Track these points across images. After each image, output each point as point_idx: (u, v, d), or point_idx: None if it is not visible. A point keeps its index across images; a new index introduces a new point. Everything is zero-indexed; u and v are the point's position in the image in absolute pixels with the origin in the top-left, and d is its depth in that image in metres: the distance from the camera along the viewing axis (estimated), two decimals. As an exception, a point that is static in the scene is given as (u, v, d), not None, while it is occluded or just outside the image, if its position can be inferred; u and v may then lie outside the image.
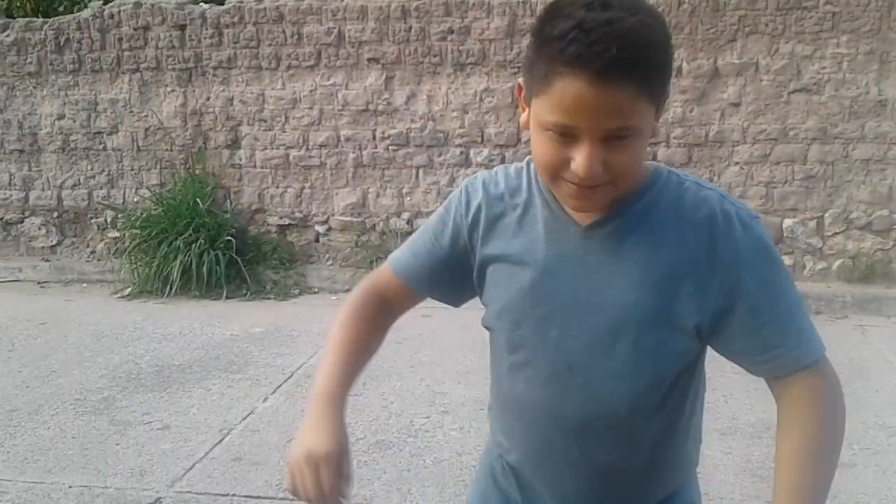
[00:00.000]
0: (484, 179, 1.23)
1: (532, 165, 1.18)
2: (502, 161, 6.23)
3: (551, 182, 1.10)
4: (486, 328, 1.27)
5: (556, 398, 1.18)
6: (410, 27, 6.22)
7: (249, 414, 3.89)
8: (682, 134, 6.03)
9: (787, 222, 6.01)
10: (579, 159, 1.02)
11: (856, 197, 5.91)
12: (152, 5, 6.57)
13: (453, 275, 1.27)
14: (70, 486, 3.17)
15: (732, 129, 5.98)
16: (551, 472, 1.24)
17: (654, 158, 6.06)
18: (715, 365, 4.17)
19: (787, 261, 6.00)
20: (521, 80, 1.11)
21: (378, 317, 1.35)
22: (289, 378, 4.37)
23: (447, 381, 4.27)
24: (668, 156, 6.04)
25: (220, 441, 3.58)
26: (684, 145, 6.05)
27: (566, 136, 1.02)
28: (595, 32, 0.95)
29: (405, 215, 6.51)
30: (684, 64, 5.94)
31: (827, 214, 5.96)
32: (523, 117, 1.12)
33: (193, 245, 6.18)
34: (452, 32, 6.18)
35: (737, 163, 6.02)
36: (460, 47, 6.20)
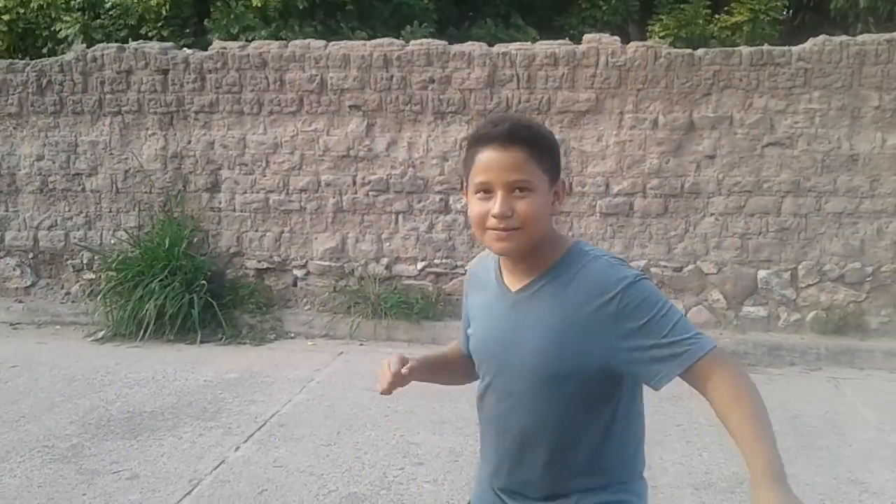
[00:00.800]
0: (471, 265, 1.80)
1: (487, 254, 1.69)
2: (481, 209, 6.26)
3: (481, 235, 1.55)
4: None
5: (502, 414, 1.65)
6: (392, 76, 6.30)
7: (220, 463, 3.83)
8: (659, 185, 6.11)
9: (762, 273, 6.08)
10: (496, 204, 1.50)
11: (829, 249, 6.00)
12: (136, 49, 6.62)
13: None
14: (33, 539, 3.09)
15: (708, 180, 6.07)
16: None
17: (632, 209, 6.14)
18: (689, 417, 4.22)
19: (762, 311, 6.07)
20: (462, 182, 1.61)
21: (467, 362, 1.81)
22: (262, 426, 4.32)
23: (422, 430, 4.24)
24: (645, 206, 6.12)
25: (190, 492, 3.52)
26: (660, 196, 6.13)
27: (487, 192, 1.51)
28: (497, 122, 1.54)
29: (384, 261, 6.52)
30: (660, 116, 6.04)
31: (801, 266, 6.04)
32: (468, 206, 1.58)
33: (169, 288, 6.14)
34: (433, 82, 6.27)
35: (712, 214, 6.10)
36: (441, 96, 6.27)
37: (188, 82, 6.56)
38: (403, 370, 1.66)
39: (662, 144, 6.07)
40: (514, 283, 1.61)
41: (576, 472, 1.60)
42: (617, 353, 1.50)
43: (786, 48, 5.96)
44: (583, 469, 1.60)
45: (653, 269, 6.17)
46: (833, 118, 5.88)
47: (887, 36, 5.85)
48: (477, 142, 1.54)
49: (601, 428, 1.59)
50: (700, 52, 6.04)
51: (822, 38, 5.91)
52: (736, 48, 6.12)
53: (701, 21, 8.00)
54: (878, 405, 4.74)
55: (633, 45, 6.12)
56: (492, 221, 1.50)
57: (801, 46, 5.93)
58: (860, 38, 5.93)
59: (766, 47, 6.06)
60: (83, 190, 6.87)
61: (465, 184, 1.60)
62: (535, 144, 1.51)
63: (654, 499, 3.48)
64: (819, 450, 4.05)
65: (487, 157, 1.51)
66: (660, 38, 7.61)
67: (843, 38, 5.95)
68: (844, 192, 5.93)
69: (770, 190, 6.01)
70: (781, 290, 6.06)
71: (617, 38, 6.19)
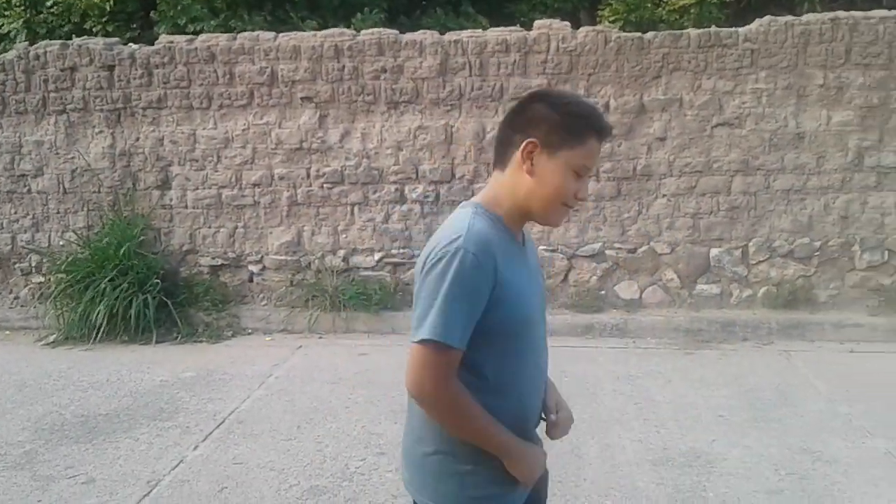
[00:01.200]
0: (482, 244, 1.62)
1: (483, 211, 1.70)
2: (437, 197, 6.27)
3: (557, 206, 1.70)
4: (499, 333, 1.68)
5: (541, 357, 1.82)
6: (344, 66, 6.24)
7: (179, 463, 3.78)
8: (611, 168, 6.16)
9: (714, 252, 6.17)
10: (585, 187, 1.71)
11: (778, 226, 6.11)
12: (80, 46, 6.46)
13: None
14: (-14, 548, 3.03)
15: (659, 162, 6.14)
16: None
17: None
18: (646, 396, 4.26)
19: (715, 289, 6.17)
20: (532, 140, 1.66)
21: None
22: (220, 424, 4.28)
23: (383, 420, 4.23)
24: (599, 189, 6.17)
25: (148, 493, 3.48)
26: (613, 179, 6.18)
27: (579, 174, 1.68)
28: (602, 115, 1.74)
29: (341, 253, 6.49)
30: (612, 100, 6.09)
31: (751, 243, 6.14)
32: (527, 166, 1.67)
33: (120, 288, 6.03)
34: (385, 71, 6.23)
35: (664, 195, 6.17)
36: (394, 86, 6.24)
37: (135, 78, 6.43)
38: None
39: (614, 128, 6.08)
40: (518, 239, 1.79)
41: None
42: None
43: (732, 29, 6.03)
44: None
45: (608, 252, 6.23)
46: (779, 97, 5.98)
47: (831, 15, 5.96)
48: (596, 127, 1.68)
49: None
50: (649, 35, 6.09)
51: (767, 18, 6.00)
52: (684, 31, 6.17)
53: (649, 5, 8.07)
54: (828, 376, 4.85)
55: (583, 30, 6.15)
56: (572, 202, 1.70)
57: (747, 27, 6.01)
58: (804, 17, 6.03)
59: (713, 29, 6.13)
60: (29, 191, 6.71)
61: (535, 141, 1.66)
62: None
63: (613, 475, 3.54)
64: (772, 421, 4.13)
65: (596, 148, 1.69)
66: (609, 22, 7.66)
67: (789, 18, 6.05)
68: (792, 169, 6.04)
69: (720, 170, 6.10)
70: (733, 267, 6.16)
71: (567, 23, 6.21)
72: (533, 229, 5.01)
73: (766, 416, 4.21)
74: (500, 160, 1.73)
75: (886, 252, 6.01)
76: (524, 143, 1.66)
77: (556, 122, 1.65)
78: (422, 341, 1.58)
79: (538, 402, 1.81)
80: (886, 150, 5.95)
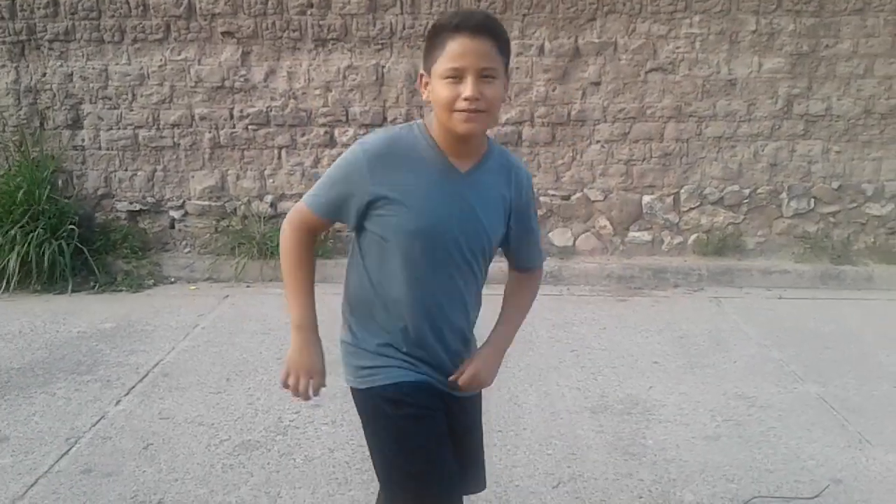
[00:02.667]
0: (378, 147, 1.76)
1: (419, 129, 1.79)
2: (367, 141, 6.05)
3: (448, 115, 1.68)
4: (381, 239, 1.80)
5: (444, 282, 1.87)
6: (267, 0, 5.92)
7: (100, 419, 3.58)
8: (546, 113, 6.06)
9: (646, 199, 6.19)
10: (467, 87, 1.65)
11: (709, 173, 6.15)
12: (-25, -30, 5.93)
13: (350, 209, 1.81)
14: None
15: (593, 108, 6.07)
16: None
17: (521, 138, 6.09)
18: (582, 343, 4.24)
19: (647, 236, 6.20)
20: (420, 72, 1.77)
21: (313, 248, 1.93)
22: (144, 377, 4.07)
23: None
24: (533, 135, 6.07)
25: (67, 451, 3.27)
26: (547, 124, 6.09)
27: (456, 78, 1.65)
28: (465, 15, 1.70)
29: (268, 198, 6.24)
30: (546, 43, 5.96)
31: (682, 190, 6.18)
32: (425, 95, 1.74)
33: (32, 235, 5.66)
34: (312, 6, 5.93)
35: (598, 141, 6.12)
36: (321, 22, 5.95)
37: (39, 7, 5.95)
38: (317, 391, 1.91)
39: (549, 72, 6.00)
40: (461, 165, 1.79)
41: (463, 330, 1.93)
42: (509, 230, 1.91)
43: (667, -28, 5.96)
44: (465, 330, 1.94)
45: (542, 199, 6.16)
46: (712, 43, 5.96)
47: (764, -41, 5.94)
48: (448, 29, 1.66)
49: (476, 292, 1.93)
50: (584, -25, 5.96)
51: (702, -39, 5.94)
52: (619, -28, 6.06)
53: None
54: (758, 322, 4.94)
55: (518, -32, 5.97)
56: (462, 104, 1.65)
57: (682, -30, 5.94)
58: (738, -39, 5.99)
59: (648, -29, 6.04)
60: (-76, 130, 6.20)
61: (423, 72, 1.75)
62: (499, 36, 1.69)
63: (553, 423, 3.51)
64: (706, 367, 4.18)
65: (461, 44, 1.64)
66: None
67: (722, -39, 5.99)
68: (723, 116, 6.06)
69: (653, 116, 6.07)
70: (665, 214, 6.19)
71: (501, -40, 6.02)
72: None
73: (700, 362, 4.26)
74: None
75: (813, 200, 6.13)
76: (418, 78, 1.80)
77: (426, 46, 1.74)
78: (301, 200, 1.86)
79: (427, 332, 1.84)
80: (814, 97, 6.02)
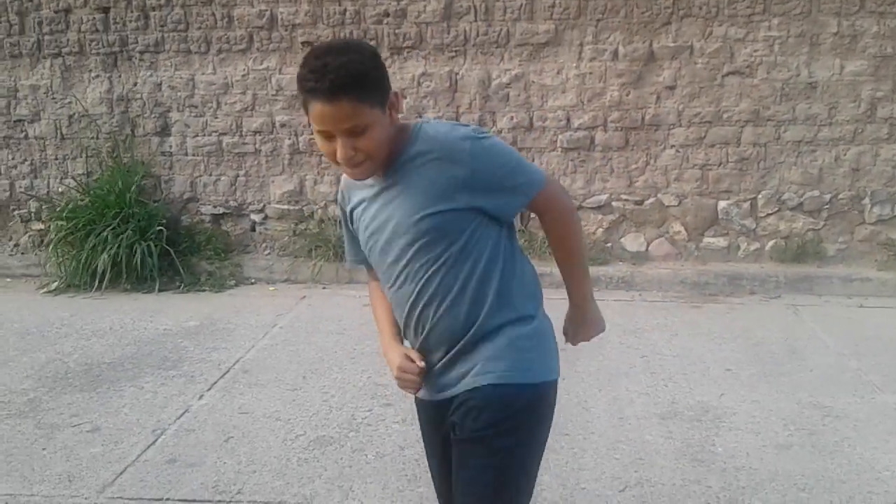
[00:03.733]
0: (344, 178, 1.89)
1: None
2: (441, 146, 6.15)
3: (336, 166, 1.66)
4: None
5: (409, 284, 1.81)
6: (345, 10, 6.08)
7: (184, 412, 3.76)
8: (619, 118, 6.04)
9: (722, 204, 6.10)
10: (339, 149, 1.60)
11: (787, 178, 6.02)
12: (73, -14, 6.29)
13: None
14: (-7, 497, 3.02)
15: (668, 112, 6.02)
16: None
17: (593, 142, 6.09)
18: (653, 349, 4.23)
19: (722, 242, 6.11)
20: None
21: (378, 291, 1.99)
22: (225, 373, 4.25)
23: (389, 371, 4.18)
24: (606, 140, 6.06)
25: (154, 442, 3.46)
26: (621, 129, 6.07)
27: (328, 136, 1.60)
28: (318, 73, 1.54)
29: (343, 202, 6.40)
30: (620, 47, 5.95)
31: (760, 196, 6.06)
32: None
33: (123, 236, 5.96)
34: (388, 15, 6.07)
35: (672, 146, 6.07)
36: (396, 30, 6.09)
37: (131, 21, 6.27)
38: (420, 364, 1.79)
39: (623, 76, 5.99)
40: (379, 180, 1.75)
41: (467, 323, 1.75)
42: (479, 200, 1.68)
43: (745, -26, 5.87)
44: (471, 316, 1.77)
45: (614, 203, 6.15)
46: (792, 45, 5.84)
47: (846, -40, 5.79)
48: (304, 91, 1.58)
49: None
50: (659, -21, 5.93)
51: (781, -37, 5.83)
52: (695, -25, 6.01)
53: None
54: (836, 331, 4.82)
55: (591, -27, 5.98)
56: (340, 161, 1.62)
57: (760, -28, 5.84)
58: (819, -38, 5.86)
59: (725, -26, 5.96)
60: (26, 137, 6.60)
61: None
62: (359, 88, 1.56)
63: (622, 428, 3.52)
64: (781, 376, 4.11)
65: (319, 110, 1.56)
66: (618, -33, 7.45)
67: (803, -37, 5.88)
68: (803, 120, 5.93)
69: (730, 120, 5.98)
70: (741, 220, 6.09)
71: (575, -34, 6.04)
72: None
73: (774, 370, 4.19)
74: None
75: (897, 205, 5.94)
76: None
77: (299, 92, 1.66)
78: None
79: (405, 321, 1.83)
80: (900, 101, 5.83)
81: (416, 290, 1.74)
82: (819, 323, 5.00)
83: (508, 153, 1.71)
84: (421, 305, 1.76)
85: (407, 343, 1.87)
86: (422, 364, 1.78)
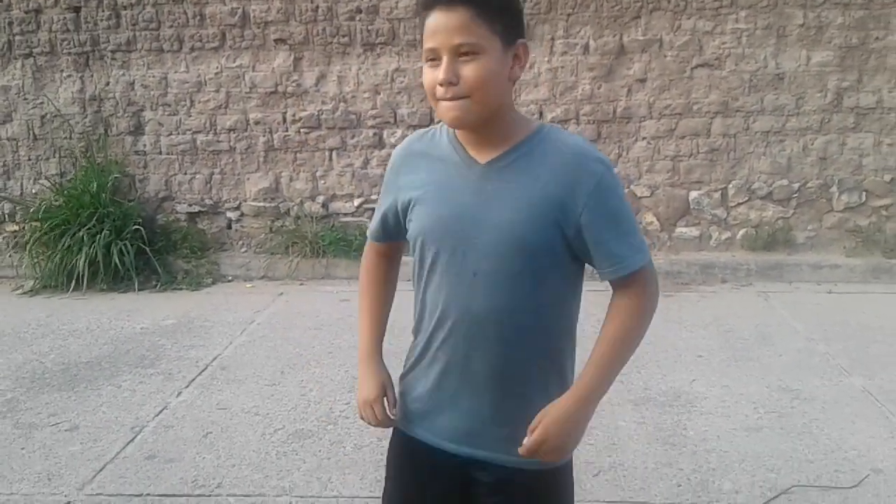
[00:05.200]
0: (406, 146, 1.62)
1: (441, 126, 1.54)
2: (415, 141, 6.18)
3: (435, 106, 1.43)
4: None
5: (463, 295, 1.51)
6: (317, 6, 6.10)
7: (163, 409, 3.78)
8: (591, 111, 6.11)
9: (693, 194, 6.19)
10: (443, 71, 1.36)
11: (757, 168, 6.13)
12: (43, -14, 6.25)
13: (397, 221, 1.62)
14: (-28, 496, 3.03)
15: (639, 104, 6.10)
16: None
17: (565, 135, 6.13)
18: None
19: (694, 231, 6.20)
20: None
21: (386, 272, 1.76)
22: (203, 370, 4.27)
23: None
24: (579, 133, 6.12)
25: (133, 439, 3.47)
26: (593, 122, 6.14)
27: (434, 60, 1.38)
28: None
29: (320, 199, 6.43)
30: (591, 41, 6.02)
31: (730, 185, 6.17)
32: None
33: (98, 236, 5.95)
34: (361, 12, 6.10)
35: (644, 138, 6.15)
36: (369, 27, 6.12)
37: (102, 20, 6.24)
38: (392, 413, 1.65)
39: (594, 70, 6.06)
40: (482, 156, 1.47)
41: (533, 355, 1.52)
42: (581, 231, 1.44)
43: (712, -32, 5.96)
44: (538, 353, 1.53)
45: (588, 195, 6.21)
46: (759, 37, 5.94)
47: (811, -48, 5.90)
48: (424, 5, 1.40)
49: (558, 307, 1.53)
50: (628, -27, 6.00)
51: (747, -44, 5.93)
52: (664, -31, 6.09)
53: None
54: (805, 316, 4.92)
55: (561, -32, 6.04)
56: (439, 91, 1.39)
57: (727, -34, 5.93)
58: (784, -45, 5.96)
59: (693, -33, 6.05)
60: (-2, 138, 6.56)
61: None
62: (482, 2, 1.36)
63: (596, 415, 3.54)
64: (751, 361, 4.20)
65: (434, 20, 1.37)
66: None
67: (768, -44, 5.97)
68: (771, 110, 6.03)
69: (700, 111, 6.08)
70: (712, 209, 6.19)
71: (545, -39, 6.09)
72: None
73: (744, 356, 4.28)
74: None
75: (864, 193, 6.06)
76: None
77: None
78: None
79: (449, 330, 1.56)
80: (865, 90, 5.95)
81: (493, 304, 1.47)
82: (789, 309, 5.10)
83: (628, 206, 1.49)
84: (491, 327, 1.48)
85: (419, 342, 1.60)
86: (393, 418, 1.63)
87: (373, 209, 6.33)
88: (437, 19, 1.36)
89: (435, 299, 1.52)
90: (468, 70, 1.36)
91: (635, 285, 1.49)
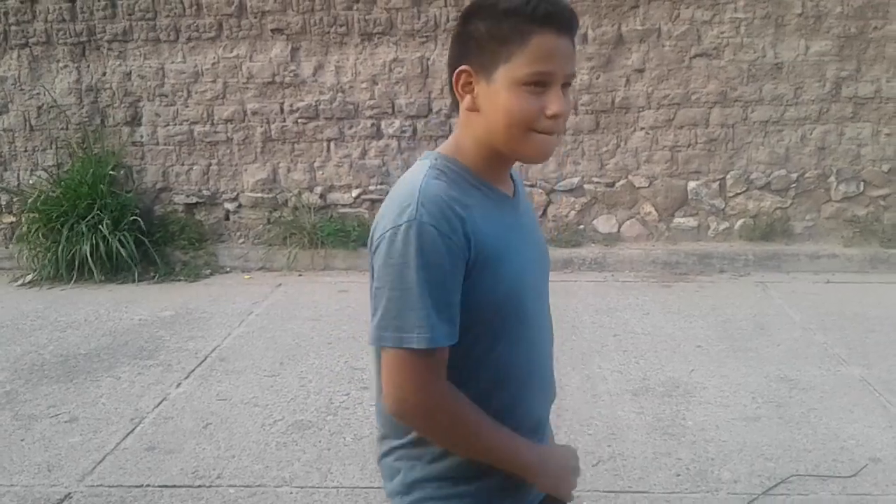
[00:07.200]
0: (434, 206, 1.18)
1: (443, 162, 1.28)
2: (414, 132, 6.18)
3: (522, 136, 1.23)
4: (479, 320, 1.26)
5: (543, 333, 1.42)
6: (315, -4, 6.08)
7: (162, 401, 3.78)
8: (590, 101, 6.10)
9: (692, 184, 6.19)
10: (553, 100, 1.21)
11: (755, 158, 6.12)
12: (38, -24, 6.22)
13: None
14: (-28, 488, 3.03)
15: (637, 94, 6.09)
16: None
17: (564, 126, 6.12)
18: (625, 328, 4.30)
19: (692, 222, 6.20)
20: (463, 69, 1.24)
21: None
22: (202, 362, 4.27)
23: (365, 355, 4.24)
24: (577, 123, 6.12)
25: (132, 431, 3.48)
26: (591, 112, 6.13)
27: (539, 85, 1.20)
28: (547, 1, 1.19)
29: (318, 189, 6.41)
30: (589, 31, 6.00)
31: (729, 176, 6.16)
32: (468, 102, 1.25)
33: (97, 228, 5.93)
34: (358, 1, 6.07)
35: (642, 128, 6.14)
36: (367, 16, 6.09)
37: (98, 10, 6.21)
38: None
39: (592, 60, 6.04)
40: (506, 189, 1.36)
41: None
42: None
43: (711, -43, 5.94)
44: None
45: (586, 186, 6.22)
46: (758, 27, 5.92)
47: (809, -58, 5.88)
48: (530, 19, 1.18)
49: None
50: (627, -37, 5.99)
51: (746, -55, 5.91)
52: (662, -42, 6.07)
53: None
54: (803, 306, 4.93)
55: (560, -43, 6.00)
56: (546, 124, 1.22)
57: (726, -45, 5.91)
58: (783, -56, 5.94)
59: (691, -43, 6.03)
60: (-6, 129, 6.53)
61: (467, 68, 1.24)
62: (575, 31, 1.25)
63: (595, 405, 3.59)
64: (749, 351, 4.21)
65: (549, 42, 1.19)
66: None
67: (767, -55, 5.96)
68: (770, 100, 6.02)
69: (698, 101, 6.06)
70: (710, 199, 6.19)
71: (544, -50, 6.06)
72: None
73: (743, 345, 4.29)
74: (454, 100, 1.31)
75: (862, 183, 6.06)
76: (455, 76, 1.26)
77: (483, 34, 1.22)
78: (397, 348, 1.21)
79: (543, 401, 1.44)
80: (863, 80, 5.94)
81: (549, 338, 1.45)
82: (786, 299, 5.11)
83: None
84: (551, 359, 1.47)
85: (524, 414, 1.37)
86: None
87: (371, 200, 6.36)
88: (552, 42, 1.19)
89: (526, 352, 1.35)
90: (567, 104, 1.24)
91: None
